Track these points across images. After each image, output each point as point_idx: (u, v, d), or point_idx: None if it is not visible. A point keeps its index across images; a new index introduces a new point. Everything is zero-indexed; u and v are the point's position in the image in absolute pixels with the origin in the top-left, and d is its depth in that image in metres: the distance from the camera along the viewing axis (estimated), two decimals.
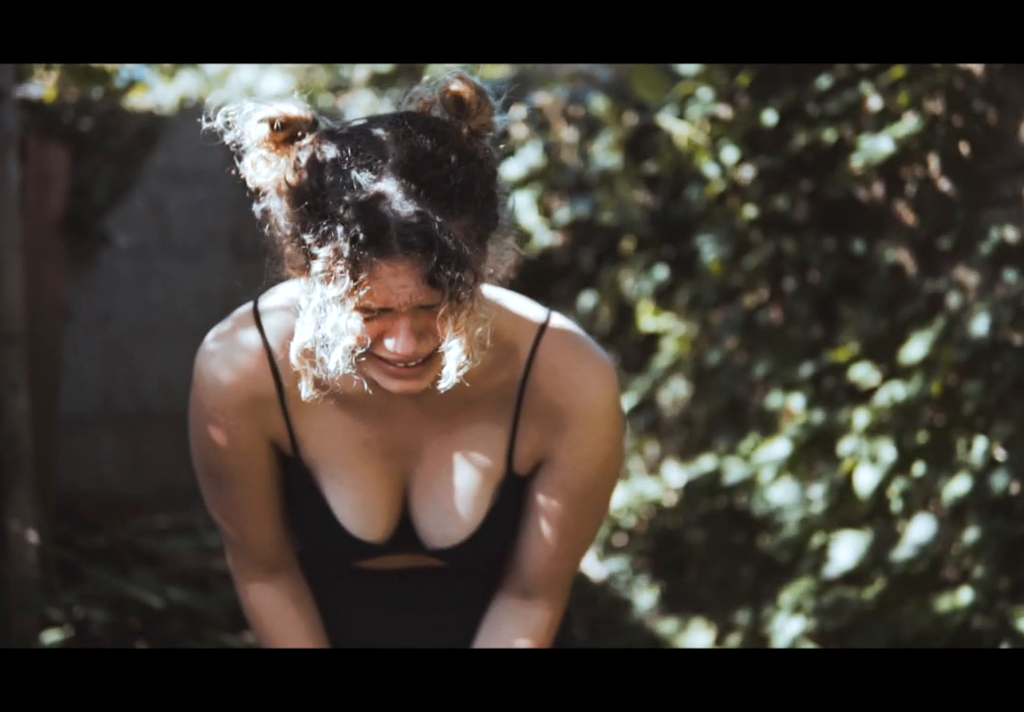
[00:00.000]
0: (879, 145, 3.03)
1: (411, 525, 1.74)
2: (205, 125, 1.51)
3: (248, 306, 1.68)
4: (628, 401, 4.22)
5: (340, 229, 1.42)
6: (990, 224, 2.85)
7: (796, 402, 3.43)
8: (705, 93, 3.66)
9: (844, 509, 3.15)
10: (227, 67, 6.20)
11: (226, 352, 1.66)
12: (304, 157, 1.48)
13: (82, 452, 5.31)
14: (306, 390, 1.54)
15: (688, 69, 3.63)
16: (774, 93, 3.52)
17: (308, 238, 1.46)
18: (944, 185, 3.02)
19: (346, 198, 1.43)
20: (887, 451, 2.99)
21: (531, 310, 1.70)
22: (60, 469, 4.60)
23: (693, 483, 3.78)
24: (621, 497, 4.23)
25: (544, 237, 4.61)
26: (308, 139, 1.49)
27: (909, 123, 2.98)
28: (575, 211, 4.50)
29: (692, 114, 3.68)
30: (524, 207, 4.57)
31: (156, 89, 5.87)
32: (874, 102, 3.17)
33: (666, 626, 4.12)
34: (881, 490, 3.04)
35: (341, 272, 1.42)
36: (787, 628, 3.24)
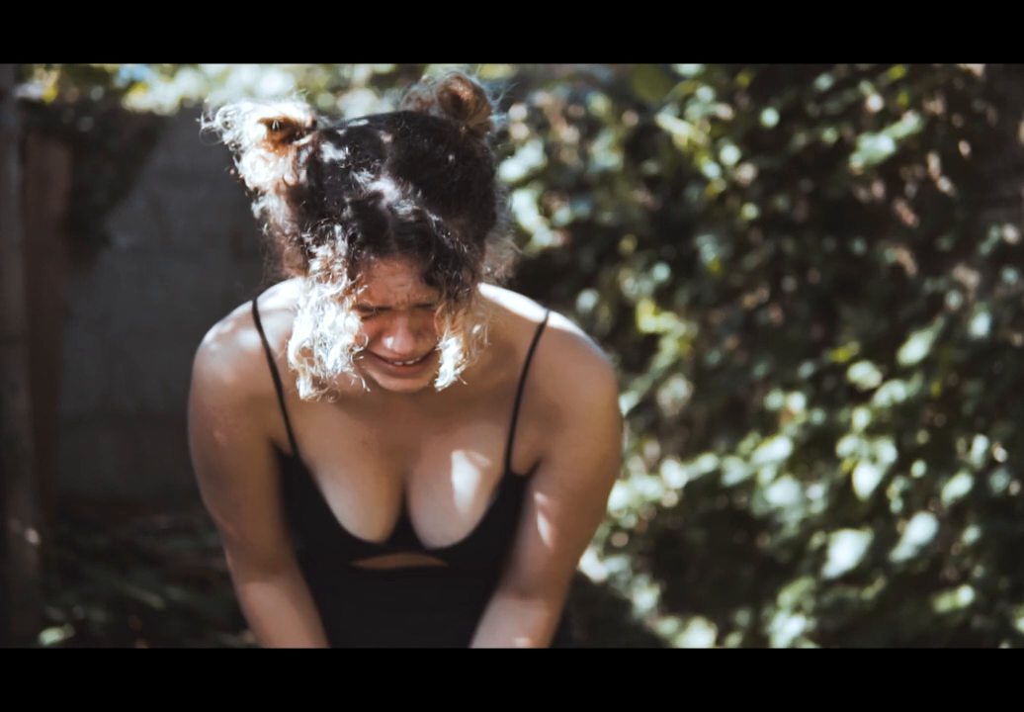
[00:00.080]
0: (879, 145, 3.03)
1: (410, 524, 1.74)
2: (204, 125, 1.52)
3: (247, 306, 1.68)
4: (628, 401, 4.21)
5: (338, 228, 1.43)
6: (990, 224, 2.85)
7: (796, 402, 3.43)
8: (705, 93, 3.66)
9: (844, 509, 3.15)
10: (227, 67, 6.20)
11: (225, 351, 1.66)
12: (302, 157, 1.49)
13: (82, 452, 5.31)
14: (304, 388, 1.54)
15: (688, 69, 3.63)
16: (774, 93, 3.52)
17: (306, 237, 1.46)
18: (944, 185, 3.02)
19: (344, 197, 1.43)
20: (887, 451, 2.99)
21: (530, 310, 1.70)
22: (60, 469, 4.60)
23: (693, 483, 3.78)
24: (621, 497, 4.22)
25: (544, 237, 4.61)
26: (307, 139, 1.50)
27: (909, 123, 2.98)
28: (575, 211, 4.50)
29: (692, 114, 3.68)
30: (524, 207, 4.57)
31: (156, 89, 5.87)
32: (874, 102, 3.17)
33: (666, 626, 4.12)
34: (881, 490, 3.04)
35: (339, 271, 1.43)
36: (787, 628, 3.23)
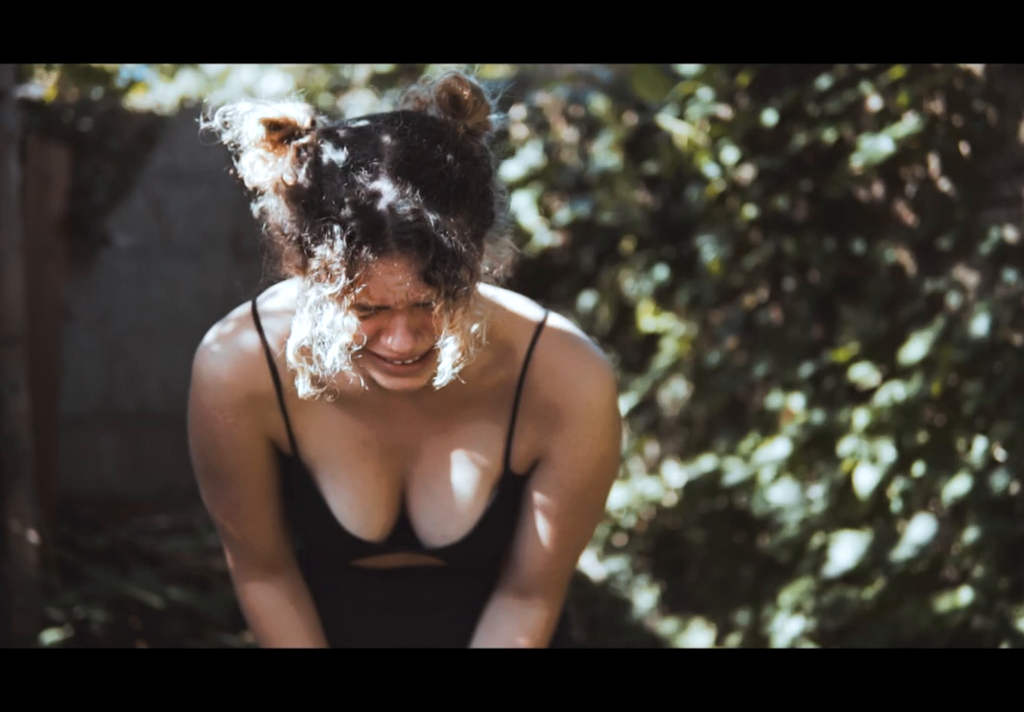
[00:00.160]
0: (879, 145, 3.03)
1: (409, 524, 1.74)
2: (203, 125, 1.52)
3: (247, 306, 1.68)
4: (628, 401, 4.21)
5: (337, 227, 1.43)
6: (990, 224, 2.85)
7: (796, 402, 3.43)
8: (705, 93, 3.66)
9: (844, 509, 3.15)
10: (227, 67, 6.20)
11: (225, 351, 1.66)
12: (301, 157, 1.49)
13: (82, 452, 5.31)
14: (303, 387, 1.54)
15: (688, 69, 3.63)
16: (774, 93, 3.52)
17: (305, 236, 1.46)
18: (944, 185, 3.02)
19: (343, 197, 1.44)
20: (887, 451, 2.99)
21: (529, 309, 1.70)
22: (60, 469, 4.60)
23: (693, 483, 3.78)
24: (621, 497, 4.22)
25: (544, 237, 4.61)
26: (305, 139, 1.50)
27: (909, 123, 2.98)
28: (575, 211, 4.50)
29: (692, 114, 3.68)
30: (524, 207, 4.57)
31: (156, 89, 5.87)
32: (874, 102, 3.17)
33: (666, 626, 4.12)
34: (881, 490, 3.04)
35: (338, 270, 1.43)
36: (787, 628, 3.23)
